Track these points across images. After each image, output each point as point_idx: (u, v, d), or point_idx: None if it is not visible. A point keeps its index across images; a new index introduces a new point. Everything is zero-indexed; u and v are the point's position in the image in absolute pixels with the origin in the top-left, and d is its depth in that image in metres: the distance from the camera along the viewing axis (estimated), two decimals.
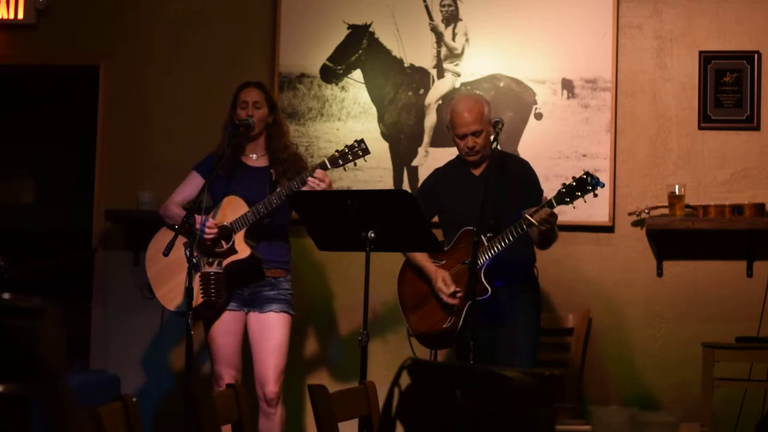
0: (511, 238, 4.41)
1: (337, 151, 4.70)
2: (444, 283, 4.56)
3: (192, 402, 2.80)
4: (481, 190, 4.39)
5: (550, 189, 4.58)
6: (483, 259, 4.45)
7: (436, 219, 4.83)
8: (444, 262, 4.64)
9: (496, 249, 4.44)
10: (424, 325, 4.67)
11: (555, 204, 4.35)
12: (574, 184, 4.33)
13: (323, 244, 4.50)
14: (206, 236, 4.65)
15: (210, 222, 4.67)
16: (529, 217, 4.33)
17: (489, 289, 4.46)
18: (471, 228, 4.48)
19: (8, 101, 7.00)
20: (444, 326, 4.58)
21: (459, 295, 4.50)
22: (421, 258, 4.68)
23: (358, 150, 4.67)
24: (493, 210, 4.49)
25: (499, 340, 4.59)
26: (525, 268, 4.67)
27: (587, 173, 4.34)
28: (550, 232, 4.44)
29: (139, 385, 5.73)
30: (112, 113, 5.94)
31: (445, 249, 4.67)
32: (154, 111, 5.91)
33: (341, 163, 4.65)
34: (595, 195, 4.38)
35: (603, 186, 4.39)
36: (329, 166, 4.65)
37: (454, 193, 4.69)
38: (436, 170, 4.92)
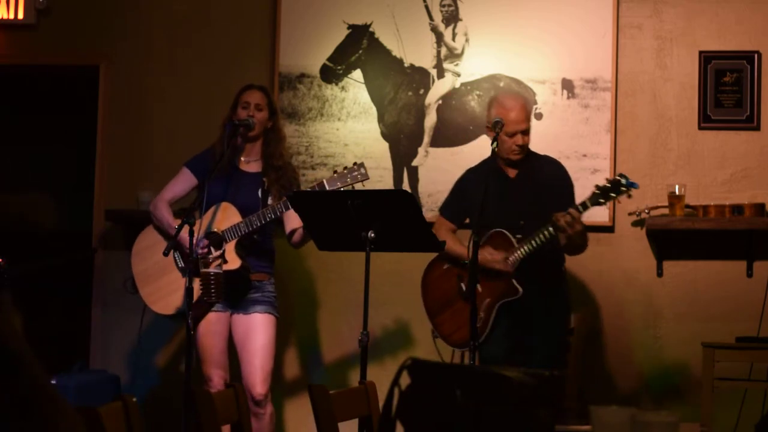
0: (539, 240, 4.44)
1: (336, 172, 4.67)
2: (490, 254, 4.58)
3: (192, 402, 2.80)
4: (514, 191, 4.46)
5: None
6: (513, 260, 4.50)
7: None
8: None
9: (525, 250, 4.47)
10: (450, 327, 4.68)
11: (589, 205, 4.44)
12: (609, 185, 4.42)
13: (323, 244, 4.50)
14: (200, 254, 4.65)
15: (203, 242, 4.65)
16: (556, 220, 4.37)
17: (520, 289, 4.49)
18: (502, 230, 4.51)
19: (8, 101, 6.99)
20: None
21: (509, 258, 4.52)
22: (457, 247, 4.68)
23: (357, 174, 4.62)
24: (525, 211, 4.53)
25: (527, 346, 4.62)
26: (554, 268, 4.71)
27: (621, 175, 4.46)
28: (577, 236, 4.46)
29: (139, 385, 5.73)
30: (112, 113, 5.94)
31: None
32: (154, 111, 5.91)
33: (339, 185, 4.63)
34: (629, 196, 4.47)
35: (637, 188, 4.50)
36: (327, 188, 4.63)
37: (488, 195, 4.66)
38: (469, 170, 4.89)
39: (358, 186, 4.61)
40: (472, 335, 4.20)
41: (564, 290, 4.77)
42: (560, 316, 4.71)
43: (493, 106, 4.73)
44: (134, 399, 2.58)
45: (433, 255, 4.78)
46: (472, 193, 4.74)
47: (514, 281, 4.53)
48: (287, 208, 4.61)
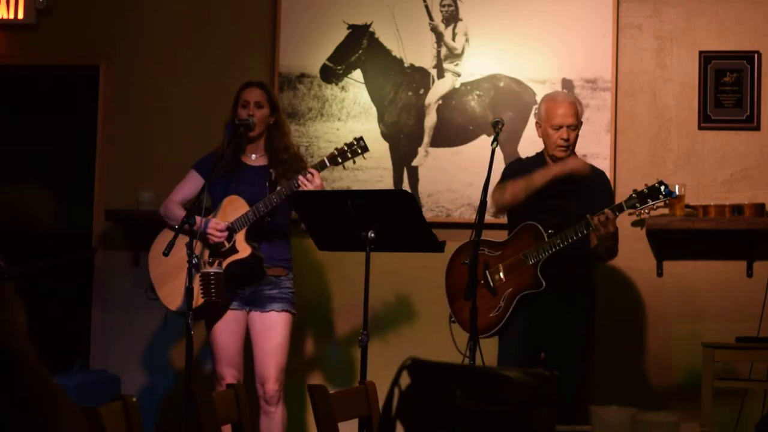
0: (571, 238, 4.46)
1: (336, 149, 4.69)
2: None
3: (192, 402, 2.80)
4: (553, 188, 4.53)
5: None
6: (542, 255, 4.52)
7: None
8: (500, 253, 4.68)
9: (555, 246, 4.48)
10: (469, 314, 4.69)
11: (625, 208, 4.44)
12: (646, 191, 4.41)
13: (323, 244, 4.50)
14: (213, 239, 4.63)
15: (220, 224, 4.64)
16: (590, 218, 4.39)
17: (543, 282, 4.50)
18: (534, 223, 4.53)
19: (8, 101, 6.99)
20: (490, 315, 4.60)
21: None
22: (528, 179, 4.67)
23: (357, 148, 4.65)
24: (561, 210, 4.54)
25: (548, 344, 4.63)
26: (583, 268, 4.72)
27: (661, 182, 4.44)
28: (609, 237, 4.47)
29: (139, 385, 5.73)
30: (112, 113, 5.94)
31: (506, 240, 4.70)
32: (154, 111, 5.91)
33: (340, 161, 4.64)
34: (666, 204, 4.49)
35: (675, 196, 4.49)
36: (328, 165, 4.64)
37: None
38: (519, 160, 4.96)
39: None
40: (472, 334, 4.21)
41: (591, 291, 4.77)
42: (585, 314, 4.71)
43: (544, 101, 4.78)
44: (134, 399, 2.58)
45: (431, 254, 4.78)
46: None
47: (539, 274, 4.54)
48: (292, 191, 4.60)
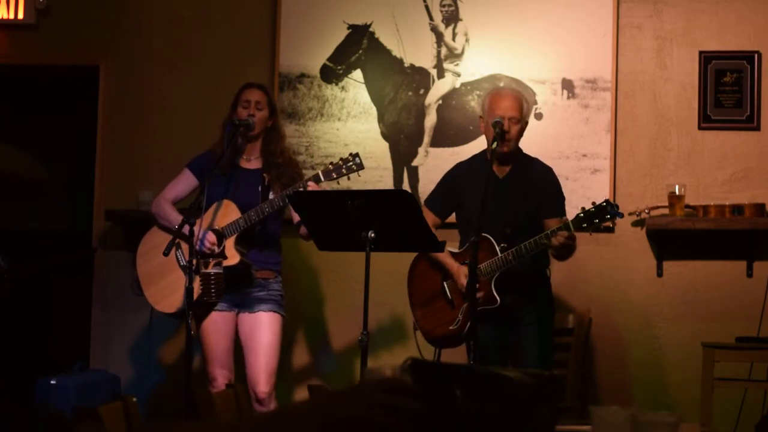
0: (524, 255, 4.38)
1: (331, 163, 4.68)
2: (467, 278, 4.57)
3: (192, 402, 2.81)
4: (502, 193, 4.40)
5: None
6: (495, 271, 4.45)
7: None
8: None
9: (508, 263, 4.43)
10: (430, 323, 4.67)
11: (572, 228, 4.30)
12: (593, 210, 4.28)
13: (323, 244, 4.49)
14: (205, 249, 4.65)
15: (212, 237, 4.66)
16: (547, 239, 4.31)
17: (498, 299, 4.46)
18: (487, 236, 4.45)
19: (8, 101, 6.99)
20: (450, 328, 4.57)
21: (479, 295, 4.44)
22: (443, 254, 4.66)
23: (352, 164, 4.64)
24: (510, 218, 4.48)
25: (510, 349, 4.58)
26: (537, 276, 4.64)
27: (607, 201, 4.28)
28: (568, 252, 4.41)
29: (138, 385, 5.73)
30: (112, 113, 5.94)
31: (459, 250, 4.66)
32: (154, 111, 5.91)
33: (335, 176, 4.63)
34: (613, 224, 4.38)
35: (622, 216, 4.38)
36: (322, 179, 4.62)
37: (475, 192, 4.53)
38: (459, 164, 4.81)
39: (354, 176, 4.62)
40: (472, 335, 4.20)
41: (546, 293, 4.69)
42: (543, 317, 4.65)
43: (488, 95, 4.71)
44: (134, 399, 2.59)
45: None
46: (461, 188, 4.72)
47: (494, 291, 4.47)
48: (284, 203, 4.61)
